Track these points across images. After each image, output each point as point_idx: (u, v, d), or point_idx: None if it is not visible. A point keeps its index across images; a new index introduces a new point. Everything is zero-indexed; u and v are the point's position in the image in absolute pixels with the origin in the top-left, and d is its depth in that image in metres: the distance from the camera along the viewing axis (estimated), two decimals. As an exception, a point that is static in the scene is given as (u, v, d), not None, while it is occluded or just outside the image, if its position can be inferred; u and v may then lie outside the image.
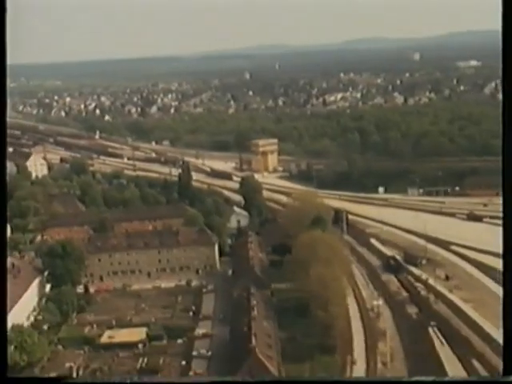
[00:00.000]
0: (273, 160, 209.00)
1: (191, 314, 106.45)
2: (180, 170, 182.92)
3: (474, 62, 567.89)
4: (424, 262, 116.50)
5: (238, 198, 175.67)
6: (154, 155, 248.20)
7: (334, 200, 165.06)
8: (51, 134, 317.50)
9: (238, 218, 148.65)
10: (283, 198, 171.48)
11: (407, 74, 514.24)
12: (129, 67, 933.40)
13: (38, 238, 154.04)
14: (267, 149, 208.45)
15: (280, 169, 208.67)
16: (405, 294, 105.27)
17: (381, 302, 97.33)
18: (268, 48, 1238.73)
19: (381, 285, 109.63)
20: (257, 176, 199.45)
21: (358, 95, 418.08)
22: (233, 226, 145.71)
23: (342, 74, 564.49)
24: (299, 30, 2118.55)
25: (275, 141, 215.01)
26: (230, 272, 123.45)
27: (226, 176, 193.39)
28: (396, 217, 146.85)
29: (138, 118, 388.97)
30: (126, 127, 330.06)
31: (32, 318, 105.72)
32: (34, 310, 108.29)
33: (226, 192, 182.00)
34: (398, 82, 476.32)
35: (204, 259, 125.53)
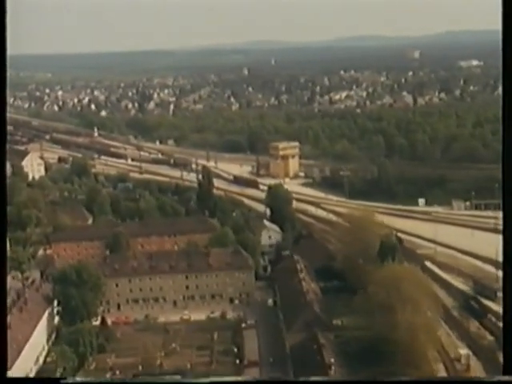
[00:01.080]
0: (294, 165, 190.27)
1: (234, 358, 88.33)
2: (200, 176, 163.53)
3: (475, 62, 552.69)
4: (499, 294, 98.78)
5: (260, 207, 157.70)
6: (160, 156, 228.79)
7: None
8: (46, 130, 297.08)
9: (270, 233, 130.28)
10: (311, 209, 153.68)
11: (410, 73, 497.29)
12: (120, 61, 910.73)
13: (41, 252, 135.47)
14: (288, 152, 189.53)
15: (301, 174, 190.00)
16: (489, 337, 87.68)
17: (469, 351, 79.81)
18: (261, 44, 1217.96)
19: (455, 324, 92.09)
20: (276, 182, 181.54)
21: (364, 94, 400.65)
22: (264, 243, 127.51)
23: (342, 72, 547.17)
24: (291, 27, 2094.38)
25: (296, 144, 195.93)
26: (269, 302, 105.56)
27: (251, 183, 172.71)
28: (447, 235, 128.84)
29: (136, 113, 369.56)
30: (125, 124, 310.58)
31: (42, 363, 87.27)
32: (45, 351, 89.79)
33: (246, 200, 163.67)
34: (403, 80, 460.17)
35: (239, 286, 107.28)
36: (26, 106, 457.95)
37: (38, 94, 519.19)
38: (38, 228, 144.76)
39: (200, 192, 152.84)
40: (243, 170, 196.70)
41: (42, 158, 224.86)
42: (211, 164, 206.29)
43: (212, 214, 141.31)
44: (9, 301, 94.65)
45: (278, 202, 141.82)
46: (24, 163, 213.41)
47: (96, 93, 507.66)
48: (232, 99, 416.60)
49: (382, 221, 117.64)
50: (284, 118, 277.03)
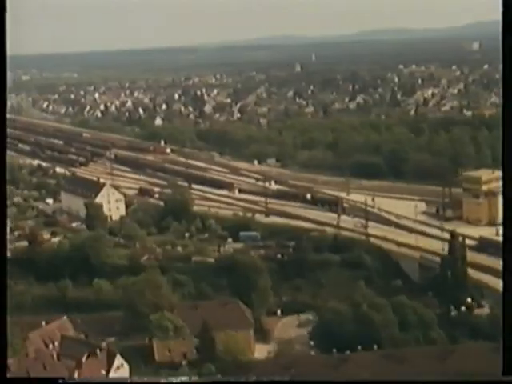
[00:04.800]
0: (496, 205, 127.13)
1: None
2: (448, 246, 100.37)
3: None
4: None
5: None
6: (274, 185, 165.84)
7: None
8: (104, 144, 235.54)
9: None
10: None
11: (486, 66, 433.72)
12: (141, 59, 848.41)
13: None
14: (493, 187, 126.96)
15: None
16: None
17: None
18: (283, 39, 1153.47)
19: None
20: (478, 232, 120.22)
21: (455, 91, 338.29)
22: None
23: (401, 66, 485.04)
24: (305, 21, 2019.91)
25: (499, 174, 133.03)
26: None
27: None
28: None
29: (196, 120, 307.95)
30: (195, 135, 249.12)
31: None
32: None
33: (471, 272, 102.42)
34: (478, 76, 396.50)
35: None
36: (63, 111, 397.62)
37: (72, 96, 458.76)
38: (177, 341, 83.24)
39: (443, 275, 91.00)
40: (416, 209, 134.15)
41: (117, 188, 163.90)
42: (355, 198, 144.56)
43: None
44: None
45: None
46: (99, 199, 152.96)
47: (136, 94, 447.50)
48: (298, 99, 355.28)
49: None
50: (404, 125, 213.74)
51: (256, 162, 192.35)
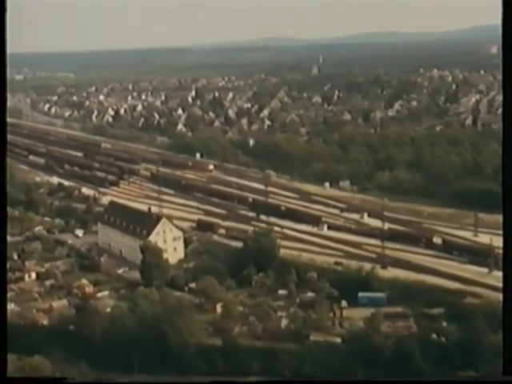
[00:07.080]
0: None
1: None
2: None
3: None
4: None
5: None
6: (400, 227, 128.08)
7: None
8: (131, 158, 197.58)
9: None
10: None
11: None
12: (140, 58, 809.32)
13: None
14: None
15: None
16: None
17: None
18: (278, 41, 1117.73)
19: None
20: None
21: (500, 98, 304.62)
22: None
23: (421, 70, 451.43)
24: (297, 23, 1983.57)
25: None
26: None
27: None
28: None
29: (223, 127, 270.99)
30: (234, 146, 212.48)
31: None
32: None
33: None
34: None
35: None
36: (67, 114, 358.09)
37: (74, 98, 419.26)
38: None
39: None
40: None
41: (170, 220, 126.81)
42: (484, 240, 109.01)
43: None
44: None
45: None
46: (154, 237, 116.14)
47: (144, 97, 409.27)
48: (327, 106, 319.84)
49: None
50: (490, 139, 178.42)
51: (328, 184, 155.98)
